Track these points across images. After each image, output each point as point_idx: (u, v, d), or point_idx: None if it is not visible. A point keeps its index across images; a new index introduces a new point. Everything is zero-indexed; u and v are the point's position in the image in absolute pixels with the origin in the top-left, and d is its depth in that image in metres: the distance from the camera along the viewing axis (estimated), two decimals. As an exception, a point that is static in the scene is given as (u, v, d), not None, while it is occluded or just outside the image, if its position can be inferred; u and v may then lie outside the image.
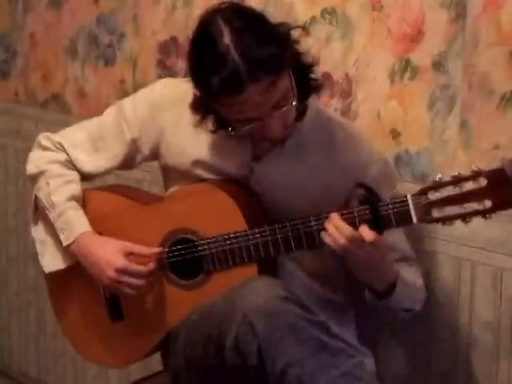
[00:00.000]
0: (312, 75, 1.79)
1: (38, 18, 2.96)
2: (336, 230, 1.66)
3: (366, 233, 1.65)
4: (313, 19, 2.12)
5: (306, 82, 1.77)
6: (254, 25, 1.67)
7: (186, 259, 1.83)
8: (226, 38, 1.63)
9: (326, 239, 1.67)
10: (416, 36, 1.93)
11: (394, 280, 1.75)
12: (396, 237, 1.82)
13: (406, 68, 1.96)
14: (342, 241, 1.65)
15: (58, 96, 2.92)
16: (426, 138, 1.94)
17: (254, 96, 1.64)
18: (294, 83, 1.71)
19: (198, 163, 1.86)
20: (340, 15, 2.07)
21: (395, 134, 2.00)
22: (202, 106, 1.78)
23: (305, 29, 1.86)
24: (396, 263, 1.81)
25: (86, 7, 2.76)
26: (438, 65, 1.90)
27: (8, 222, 3.18)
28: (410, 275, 1.82)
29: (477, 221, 1.79)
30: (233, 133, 1.74)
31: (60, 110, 2.90)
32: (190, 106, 1.80)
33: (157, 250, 1.84)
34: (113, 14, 2.68)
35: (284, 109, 1.70)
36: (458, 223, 1.73)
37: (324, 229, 1.68)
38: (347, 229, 1.65)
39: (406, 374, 2.02)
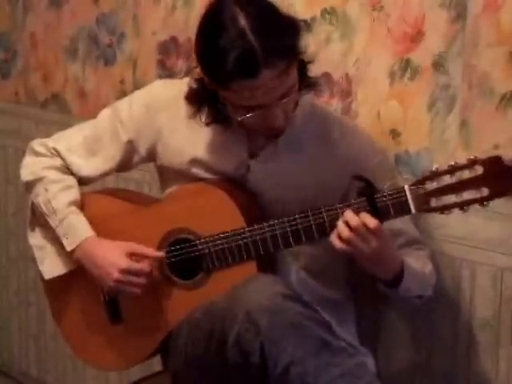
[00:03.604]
0: (309, 72, 1.79)
1: (38, 18, 2.96)
2: (344, 224, 1.65)
3: (369, 220, 1.63)
4: (313, 19, 2.12)
5: (304, 77, 1.78)
6: (269, 11, 1.68)
7: (185, 259, 1.83)
8: (242, 22, 1.63)
9: (333, 238, 1.66)
10: (416, 36, 1.93)
11: (400, 269, 1.74)
12: (401, 221, 1.79)
13: (406, 68, 1.96)
14: (347, 233, 1.63)
15: (58, 96, 2.92)
16: (426, 138, 1.94)
17: (267, 81, 1.64)
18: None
19: (194, 162, 1.86)
20: (340, 15, 2.07)
21: (395, 134, 2.00)
22: (198, 97, 1.78)
23: (306, 22, 1.86)
24: (402, 248, 1.81)
25: (86, 7, 2.76)
26: (438, 65, 1.90)
27: (8, 222, 3.18)
28: (418, 261, 1.81)
29: (477, 220, 1.79)
30: (239, 118, 1.73)
31: (60, 110, 2.90)
32: (186, 98, 1.80)
33: (158, 253, 1.84)
34: (113, 13, 2.68)
35: (289, 98, 1.70)
36: (457, 221, 1.74)
37: (323, 223, 1.68)
38: (354, 219, 1.64)
39: (406, 373, 2.02)
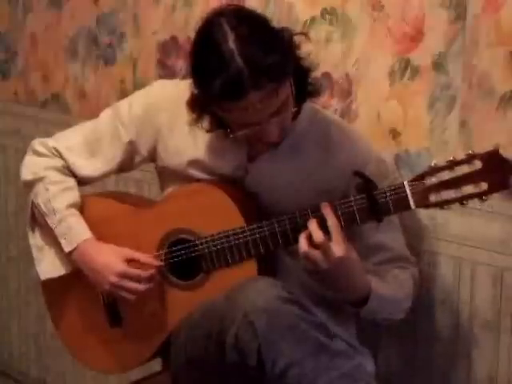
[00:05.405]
0: (310, 80, 1.79)
1: (38, 17, 2.96)
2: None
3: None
4: (313, 19, 2.12)
5: (304, 86, 1.77)
6: (259, 31, 1.67)
7: (184, 259, 1.83)
8: (231, 43, 1.63)
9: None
10: (416, 36, 1.93)
11: (366, 294, 1.72)
12: (388, 236, 1.81)
13: (406, 68, 1.96)
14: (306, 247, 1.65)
15: (57, 96, 2.92)
16: (426, 138, 1.94)
17: (255, 102, 1.64)
18: (293, 89, 1.71)
19: (194, 163, 1.86)
20: (340, 15, 2.07)
21: (395, 134, 2.00)
22: (199, 105, 1.78)
23: (306, 34, 1.85)
24: (383, 264, 1.80)
25: (86, 7, 2.76)
26: (438, 65, 1.90)
27: (8, 222, 3.18)
28: (392, 285, 1.78)
29: (477, 220, 1.79)
30: (231, 135, 1.74)
31: (60, 110, 2.90)
32: (187, 104, 1.80)
33: (156, 262, 1.84)
34: (113, 13, 2.68)
35: (282, 115, 1.70)
36: (458, 221, 1.74)
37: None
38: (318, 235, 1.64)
39: (406, 373, 2.03)
